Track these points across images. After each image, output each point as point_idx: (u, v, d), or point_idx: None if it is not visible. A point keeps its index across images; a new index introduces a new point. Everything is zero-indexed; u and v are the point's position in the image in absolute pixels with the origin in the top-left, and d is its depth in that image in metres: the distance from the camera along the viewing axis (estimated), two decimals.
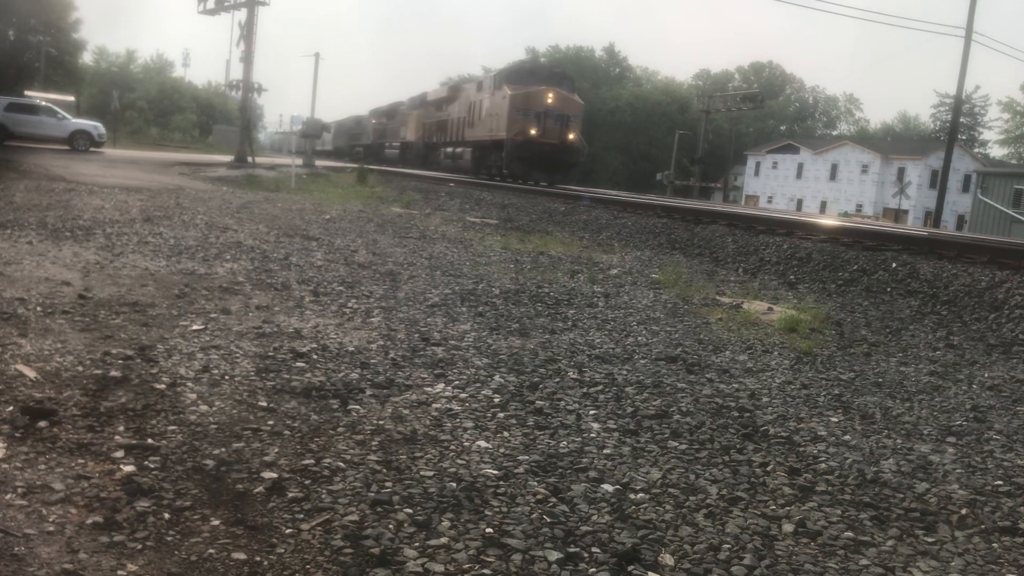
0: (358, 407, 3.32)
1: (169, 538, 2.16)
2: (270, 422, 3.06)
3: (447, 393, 3.61)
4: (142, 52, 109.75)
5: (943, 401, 4.24)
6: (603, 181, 60.45)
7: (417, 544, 2.22)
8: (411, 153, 39.80)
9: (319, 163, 35.10)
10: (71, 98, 38.32)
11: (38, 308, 4.47)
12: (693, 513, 2.59)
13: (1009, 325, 6.30)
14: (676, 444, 3.21)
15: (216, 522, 2.27)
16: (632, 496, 2.67)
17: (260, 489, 2.48)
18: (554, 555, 2.22)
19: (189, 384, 3.40)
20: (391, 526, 2.30)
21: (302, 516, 2.33)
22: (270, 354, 3.98)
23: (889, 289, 7.78)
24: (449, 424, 3.20)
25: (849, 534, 2.53)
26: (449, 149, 32.64)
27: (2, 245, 6.55)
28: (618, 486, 2.73)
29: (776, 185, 68.12)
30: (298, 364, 3.86)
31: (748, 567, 2.26)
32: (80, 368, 3.47)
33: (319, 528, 2.27)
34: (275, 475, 2.58)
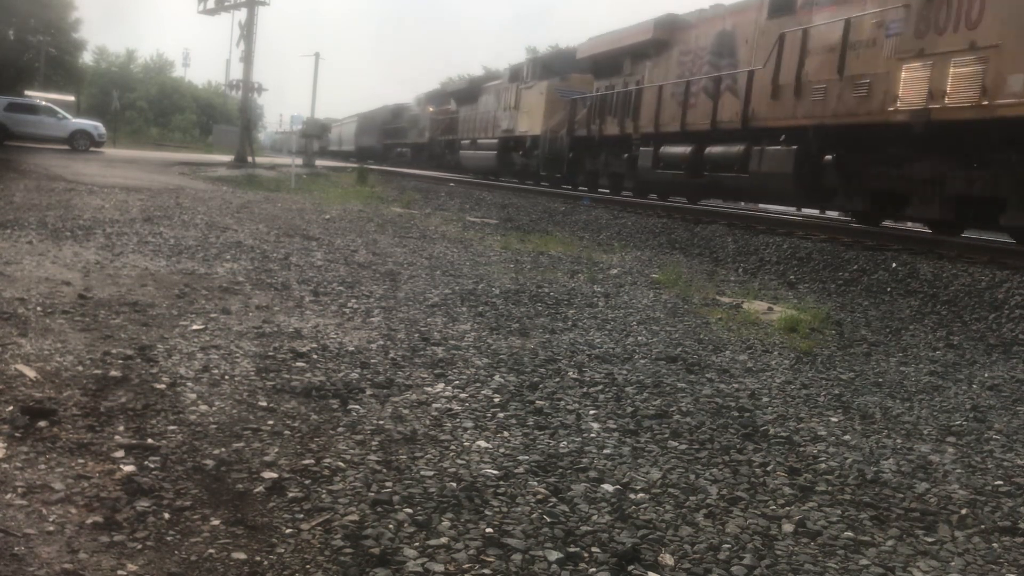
0: (358, 407, 3.32)
1: (169, 538, 2.16)
2: (270, 422, 3.06)
3: (447, 393, 3.61)
4: (142, 52, 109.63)
5: (943, 401, 4.24)
6: None
7: (417, 544, 2.22)
8: (534, 156, 22.33)
9: (320, 163, 34.97)
10: (71, 98, 38.38)
11: (38, 308, 4.47)
12: (693, 513, 2.59)
13: (1009, 325, 6.29)
14: (676, 444, 3.20)
15: (216, 522, 2.27)
16: (632, 496, 2.67)
17: (260, 489, 2.48)
18: (554, 555, 2.22)
19: (189, 384, 3.40)
20: (391, 526, 2.30)
21: (302, 516, 2.33)
22: (270, 354, 3.98)
23: (889, 289, 7.78)
24: (449, 424, 3.20)
25: (849, 534, 2.53)
26: (675, 149, 14.97)
27: (2, 245, 6.55)
28: (618, 486, 2.73)
29: None
30: (298, 364, 3.86)
31: (748, 567, 2.26)
32: (80, 368, 3.47)
33: (319, 528, 2.27)
34: (275, 475, 2.58)
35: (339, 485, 2.54)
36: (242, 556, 2.11)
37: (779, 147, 12.09)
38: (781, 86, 11.91)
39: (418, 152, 38.03)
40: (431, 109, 35.64)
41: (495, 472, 2.75)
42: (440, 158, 33.20)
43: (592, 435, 3.22)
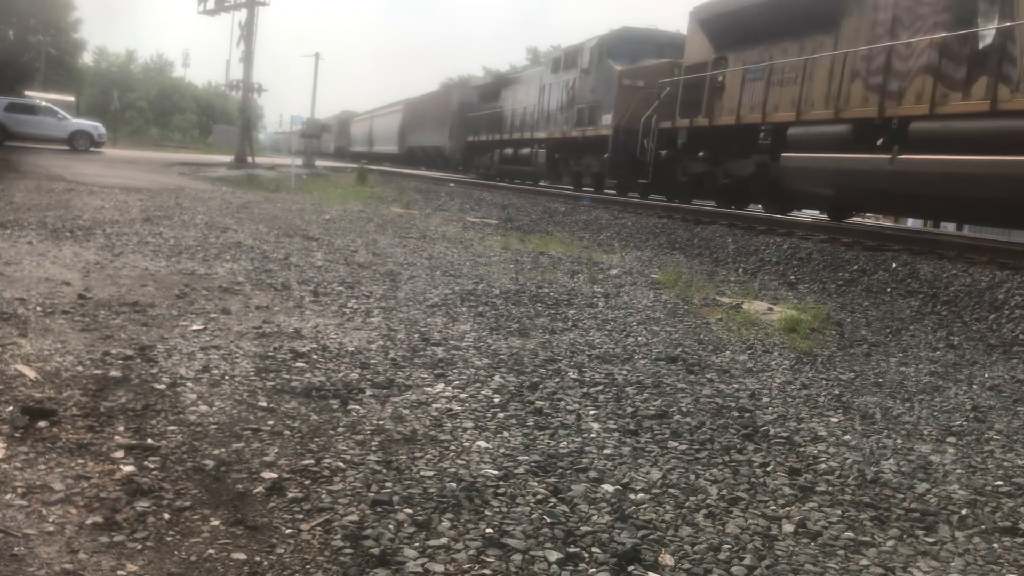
0: (358, 407, 3.32)
1: (169, 538, 2.16)
2: (270, 422, 3.06)
3: (447, 393, 3.61)
4: (142, 52, 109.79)
5: (943, 401, 4.24)
6: None
7: (417, 544, 2.22)
8: None
9: (319, 163, 34.91)
10: (71, 98, 38.38)
11: (38, 308, 4.47)
12: (693, 513, 2.59)
13: (1009, 325, 6.29)
14: (676, 444, 3.20)
15: (216, 522, 2.27)
16: (632, 496, 2.67)
17: (260, 489, 2.48)
18: (554, 555, 2.22)
19: (189, 384, 3.40)
20: (391, 526, 2.30)
21: (302, 516, 2.33)
22: (270, 354, 3.98)
23: (889, 289, 7.78)
24: (449, 424, 3.20)
25: (849, 534, 2.53)
26: None
27: (2, 245, 6.55)
28: (618, 486, 2.73)
29: None
30: (298, 364, 3.86)
31: (748, 567, 2.25)
32: (80, 368, 3.47)
33: (319, 528, 2.27)
34: (275, 475, 2.58)
35: (339, 485, 2.54)
36: (242, 556, 2.10)
37: None
38: None
39: (572, 156, 20.53)
40: (619, 68, 17.57)
41: (495, 472, 2.75)
42: (668, 166, 15.73)
43: (592, 435, 3.22)
